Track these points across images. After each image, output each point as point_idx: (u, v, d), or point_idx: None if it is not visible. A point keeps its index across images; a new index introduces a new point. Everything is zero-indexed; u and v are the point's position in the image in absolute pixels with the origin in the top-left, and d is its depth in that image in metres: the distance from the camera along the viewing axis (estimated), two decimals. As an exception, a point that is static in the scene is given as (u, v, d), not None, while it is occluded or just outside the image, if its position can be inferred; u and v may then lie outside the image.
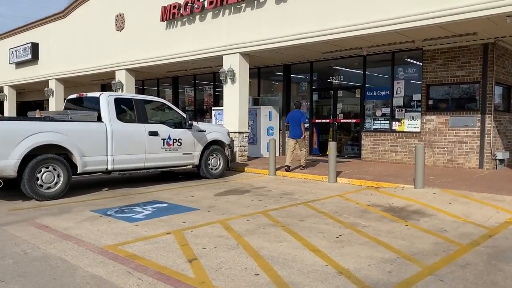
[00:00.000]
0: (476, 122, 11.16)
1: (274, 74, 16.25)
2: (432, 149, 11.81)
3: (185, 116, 9.65)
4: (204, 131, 10.13)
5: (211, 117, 16.02)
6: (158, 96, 20.26)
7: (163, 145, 9.27)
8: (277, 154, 15.42)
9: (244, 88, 13.37)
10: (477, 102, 11.26)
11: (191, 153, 9.85)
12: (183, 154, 9.67)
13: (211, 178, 10.27)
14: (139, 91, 20.84)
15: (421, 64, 12.11)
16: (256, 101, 15.97)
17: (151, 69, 16.98)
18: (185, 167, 9.91)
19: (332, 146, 9.77)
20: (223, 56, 13.40)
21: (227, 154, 10.74)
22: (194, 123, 9.99)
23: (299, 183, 9.82)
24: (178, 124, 9.66)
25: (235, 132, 13.10)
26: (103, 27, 17.75)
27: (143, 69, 16.99)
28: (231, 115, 13.35)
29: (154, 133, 9.07)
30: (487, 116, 11.03)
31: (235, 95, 13.24)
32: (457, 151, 11.49)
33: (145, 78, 19.91)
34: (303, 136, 11.06)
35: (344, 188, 8.98)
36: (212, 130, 10.42)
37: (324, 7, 10.91)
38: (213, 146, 10.36)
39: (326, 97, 15.03)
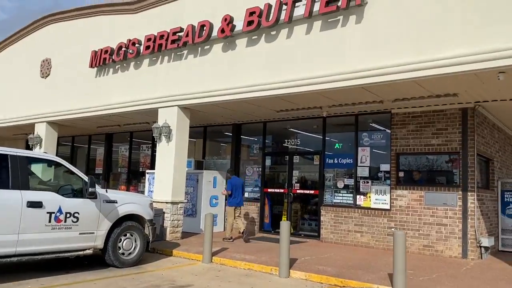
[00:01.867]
0: (457, 200, 9.27)
1: (222, 135, 14.11)
2: (405, 231, 9.68)
3: (87, 181, 7.08)
4: (114, 202, 7.52)
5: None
6: (88, 155, 17.54)
7: (50, 221, 6.58)
8: (221, 229, 12.85)
9: (182, 148, 11.06)
10: (456, 176, 9.47)
11: (93, 233, 7.15)
12: (80, 233, 6.96)
13: (121, 267, 7.52)
14: (68, 148, 18.05)
15: (389, 130, 10.38)
16: (199, 165, 13.61)
17: (77, 122, 14.43)
18: (83, 252, 7.16)
19: (284, 227, 7.44)
20: (159, 109, 11.19)
21: (147, 233, 8.09)
22: (101, 191, 7.41)
23: (239, 277, 7.28)
24: (77, 192, 7.07)
25: (167, 202, 10.56)
26: (28, 73, 15.30)
27: (68, 122, 14.41)
28: (164, 181, 10.86)
29: (36, 204, 6.42)
30: (469, 193, 9.18)
31: (170, 156, 10.86)
32: (435, 234, 9.45)
33: (74, 134, 17.22)
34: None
35: (299, 289, 6.55)
36: (126, 201, 7.80)
37: (278, 56, 9.09)
38: (127, 223, 7.71)
39: (281, 163, 12.92)
